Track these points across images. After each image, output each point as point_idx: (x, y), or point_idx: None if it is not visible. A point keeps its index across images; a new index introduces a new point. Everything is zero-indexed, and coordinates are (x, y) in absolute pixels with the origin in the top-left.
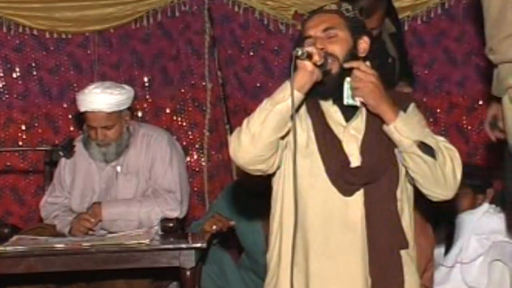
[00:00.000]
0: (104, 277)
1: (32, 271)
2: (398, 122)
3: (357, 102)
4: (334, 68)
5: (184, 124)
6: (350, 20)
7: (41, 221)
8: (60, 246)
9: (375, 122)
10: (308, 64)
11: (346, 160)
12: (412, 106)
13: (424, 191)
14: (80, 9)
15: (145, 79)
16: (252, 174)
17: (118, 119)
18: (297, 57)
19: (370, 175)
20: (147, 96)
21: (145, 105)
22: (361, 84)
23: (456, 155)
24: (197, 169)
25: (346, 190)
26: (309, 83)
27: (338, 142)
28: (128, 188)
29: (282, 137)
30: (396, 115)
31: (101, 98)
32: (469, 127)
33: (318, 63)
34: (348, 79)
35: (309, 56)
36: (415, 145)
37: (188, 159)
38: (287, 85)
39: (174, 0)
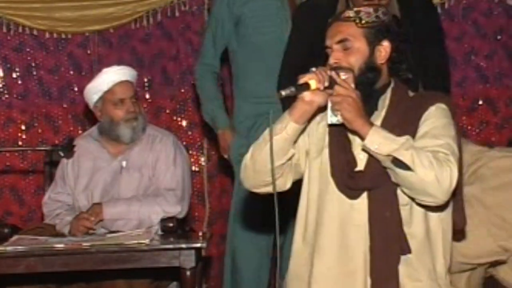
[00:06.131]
0: (104, 277)
1: (32, 271)
2: (369, 138)
3: (339, 119)
4: (349, 81)
5: (184, 124)
6: (368, 27)
7: (41, 220)
8: (60, 246)
9: (388, 127)
10: (306, 95)
11: (351, 164)
12: (435, 107)
13: (415, 200)
14: (80, 9)
15: (145, 79)
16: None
17: (136, 94)
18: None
19: (371, 181)
20: (147, 96)
21: (145, 105)
22: (340, 99)
23: (449, 159)
24: (197, 169)
25: (350, 193)
26: (308, 112)
27: (349, 145)
28: (131, 184)
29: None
30: (369, 131)
31: (123, 70)
32: (469, 127)
33: (322, 88)
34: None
35: (307, 86)
36: (388, 161)
37: None
38: (285, 116)
39: (174, 0)
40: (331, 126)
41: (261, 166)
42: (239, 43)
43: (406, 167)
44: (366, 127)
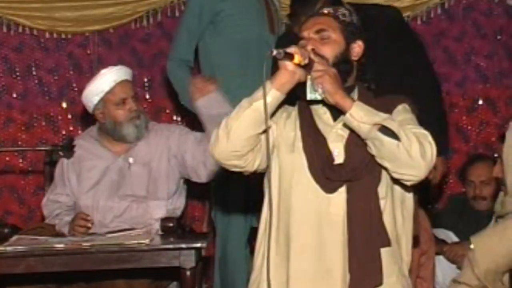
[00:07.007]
0: (104, 277)
1: (32, 271)
2: (354, 108)
3: (319, 94)
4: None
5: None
6: (346, 25)
7: (41, 220)
8: (60, 246)
9: None
10: (288, 64)
11: (329, 157)
12: (402, 106)
13: (394, 175)
14: (80, 9)
15: (145, 79)
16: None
17: (136, 93)
18: (275, 57)
19: (351, 173)
20: (147, 96)
21: (145, 105)
22: (321, 73)
23: (428, 138)
24: None
25: (328, 187)
26: (289, 82)
27: (323, 140)
28: (141, 178)
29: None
30: (352, 103)
31: (122, 70)
32: (469, 127)
33: (302, 64)
34: (310, 75)
35: (291, 57)
36: (375, 129)
37: None
38: (266, 83)
39: (174, 0)
40: (310, 102)
41: (235, 135)
42: (215, 39)
43: (393, 135)
44: (348, 100)
